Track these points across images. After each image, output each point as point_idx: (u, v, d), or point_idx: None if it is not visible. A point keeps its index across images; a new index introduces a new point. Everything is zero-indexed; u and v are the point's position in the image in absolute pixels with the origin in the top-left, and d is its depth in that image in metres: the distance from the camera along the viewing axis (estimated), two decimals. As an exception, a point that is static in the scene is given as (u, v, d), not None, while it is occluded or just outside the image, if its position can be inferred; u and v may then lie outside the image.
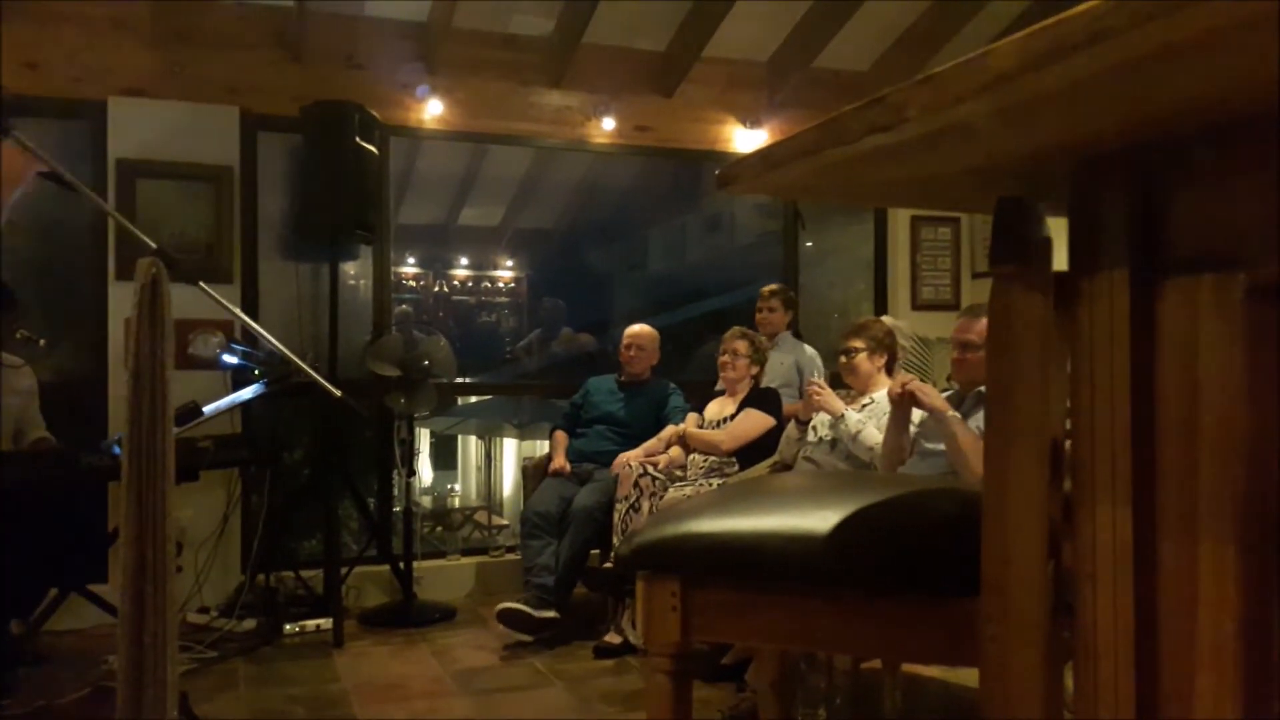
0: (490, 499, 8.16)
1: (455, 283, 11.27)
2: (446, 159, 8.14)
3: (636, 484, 3.99)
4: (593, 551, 4.24)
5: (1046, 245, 0.97)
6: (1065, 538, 0.95)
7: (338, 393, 2.66)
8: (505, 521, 6.71)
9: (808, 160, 0.99)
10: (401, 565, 4.57)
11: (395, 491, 5.00)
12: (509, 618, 3.94)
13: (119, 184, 4.41)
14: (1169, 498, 0.85)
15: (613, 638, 3.88)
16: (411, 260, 10.71)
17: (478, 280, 11.38)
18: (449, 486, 9.86)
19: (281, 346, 2.65)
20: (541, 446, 6.58)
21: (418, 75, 4.99)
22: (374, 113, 4.58)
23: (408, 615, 4.42)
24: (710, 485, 3.99)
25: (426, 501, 6.82)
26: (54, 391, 4.08)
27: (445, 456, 9.62)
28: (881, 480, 1.87)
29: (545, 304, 8.72)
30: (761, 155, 1.09)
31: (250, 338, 4.07)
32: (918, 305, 5.93)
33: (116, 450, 2.87)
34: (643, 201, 9.50)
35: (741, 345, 4.36)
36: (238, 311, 2.54)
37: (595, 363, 7.35)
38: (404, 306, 8.80)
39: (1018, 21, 5.11)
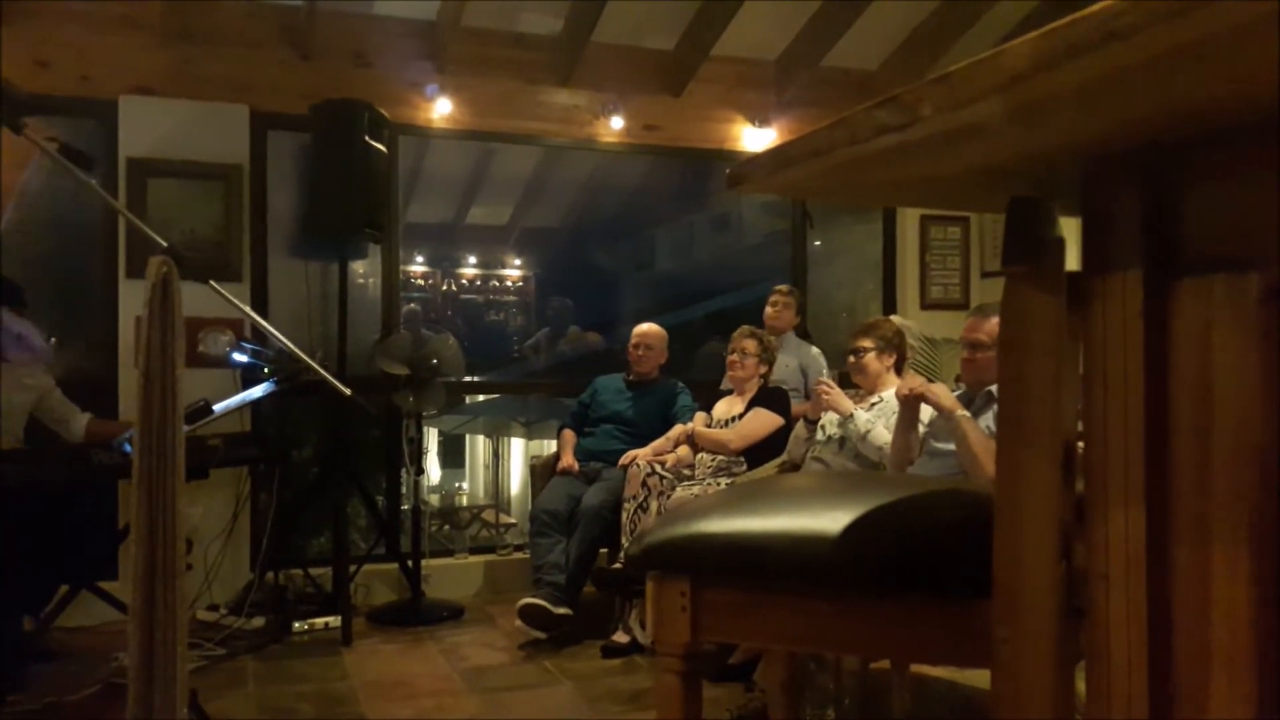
0: (498, 497, 8.18)
1: (463, 281, 11.28)
2: (455, 157, 8.15)
3: (644, 483, 3.99)
4: (600, 550, 4.24)
5: (1059, 245, 0.97)
6: (1077, 539, 0.95)
7: (348, 391, 2.66)
8: (513, 520, 6.71)
9: (819, 160, 0.99)
10: (410, 563, 4.57)
11: (403, 490, 5.01)
12: (530, 613, 3.93)
13: (130, 182, 4.43)
14: (1182, 499, 0.85)
15: (620, 637, 3.88)
16: (420, 259, 10.72)
17: (486, 279, 11.38)
18: (457, 485, 9.88)
19: (291, 345, 2.66)
20: (549, 445, 6.59)
21: (426, 74, 4.99)
22: (383, 111, 4.58)
23: (416, 613, 4.43)
24: (718, 484, 3.98)
25: (434, 500, 6.83)
26: (65, 389, 4.09)
27: (453, 455, 9.64)
28: (891, 481, 1.87)
29: (553, 303, 8.71)
30: (772, 154, 1.09)
31: (260, 336, 4.08)
32: (927, 305, 5.92)
33: (127, 448, 2.89)
34: (651, 200, 9.49)
35: (750, 344, 4.36)
36: (248, 310, 2.54)
37: (603, 362, 7.35)
38: (412, 305, 8.80)
39: (1027, 21, 5.10)
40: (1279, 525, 0.78)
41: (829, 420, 3.81)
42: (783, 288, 4.99)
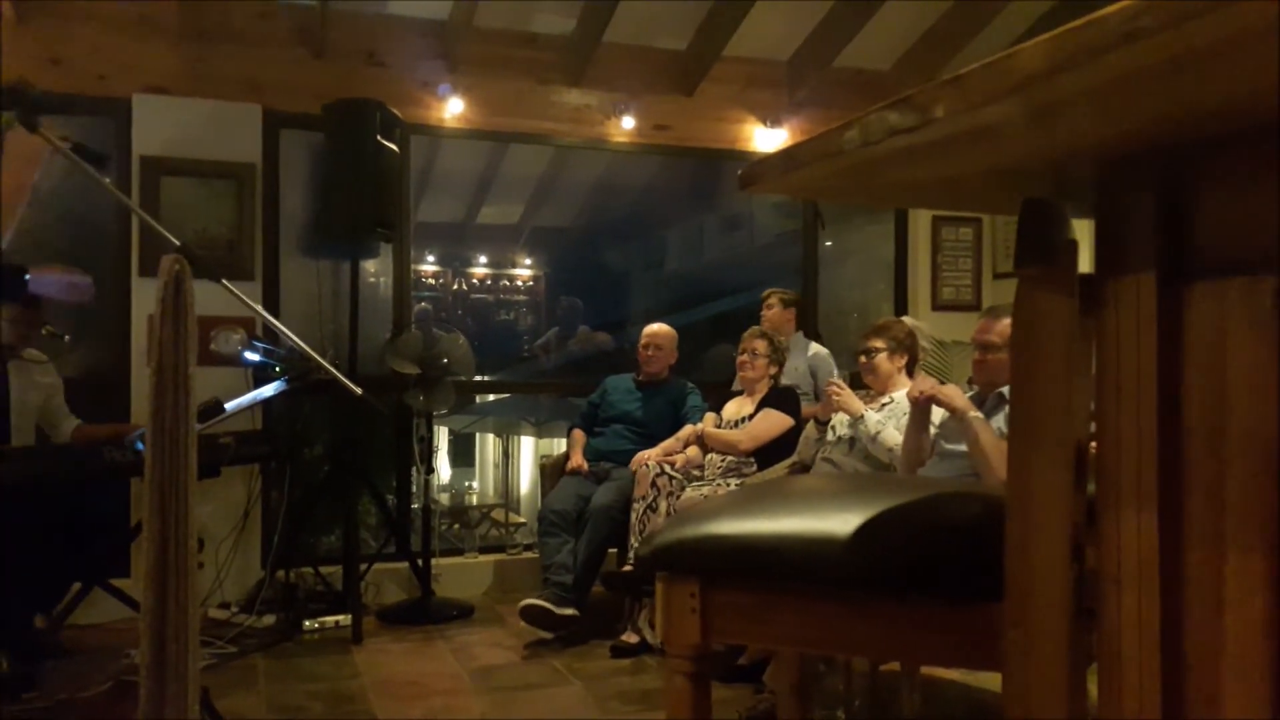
0: (507, 497, 8.19)
1: (474, 281, 11.29)
2: (466, 157, 8.16)
3: (654, 483, 3.99)
4: (610, 551, 4.24)
5: (1072, 247, 0.96)
6: (1089, 541, 0.94)
7: (358, 390, 2.67)
8: (522, 519, 6.73)
9: (831, 161, 0.98)
10: (420, 562, 4.59)
11: (414, 489, 5.02)
12: (531, 614, 3.94)
13: (143, 181, 4.46)
14: (1195, 503, 0.84)
15: (630, 637, 3.88)
16: (431, 258, 10.74)
17: (496, 278, 11.39)
18: (467, 484, 9.90)
19: (302, 344, 2.66)
20: (559, 445, 6.60)
21: (438, 73, 5.00)
22: (395, 111, 4.59)
23: (426, 612, 4.43)
24: (728, 485, 3.98)
25: (444, 499, 6.85)
26: (77, 387, 4.12)
27: (463, 454, 9.66)
28: (902, 482, 1.87)
29: (563, 302, 8.72)
30: (784, 155, 1.09)
31: (271, 335, 4.09)
32: (938, 306, 5.90)
33: (139, 446, 2.89)
34: (661, 200, 9.48)
35: (760, 345, 4.35)
36: (259, 309, 2.55)
37: (613, 361, 7.35)
38: (423, 304, 8.81)
39: (1040, 22, 5.08)
40: (1293, 529, 0.78)
41: (839, 421, 3.80)
42: (766, 292, 4.98)
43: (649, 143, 5.49)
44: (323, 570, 4.55)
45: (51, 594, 3.64)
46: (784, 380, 4.52)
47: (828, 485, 1.76)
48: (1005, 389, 3.12)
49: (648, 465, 4.07)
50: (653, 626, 3.77)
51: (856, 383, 3.98)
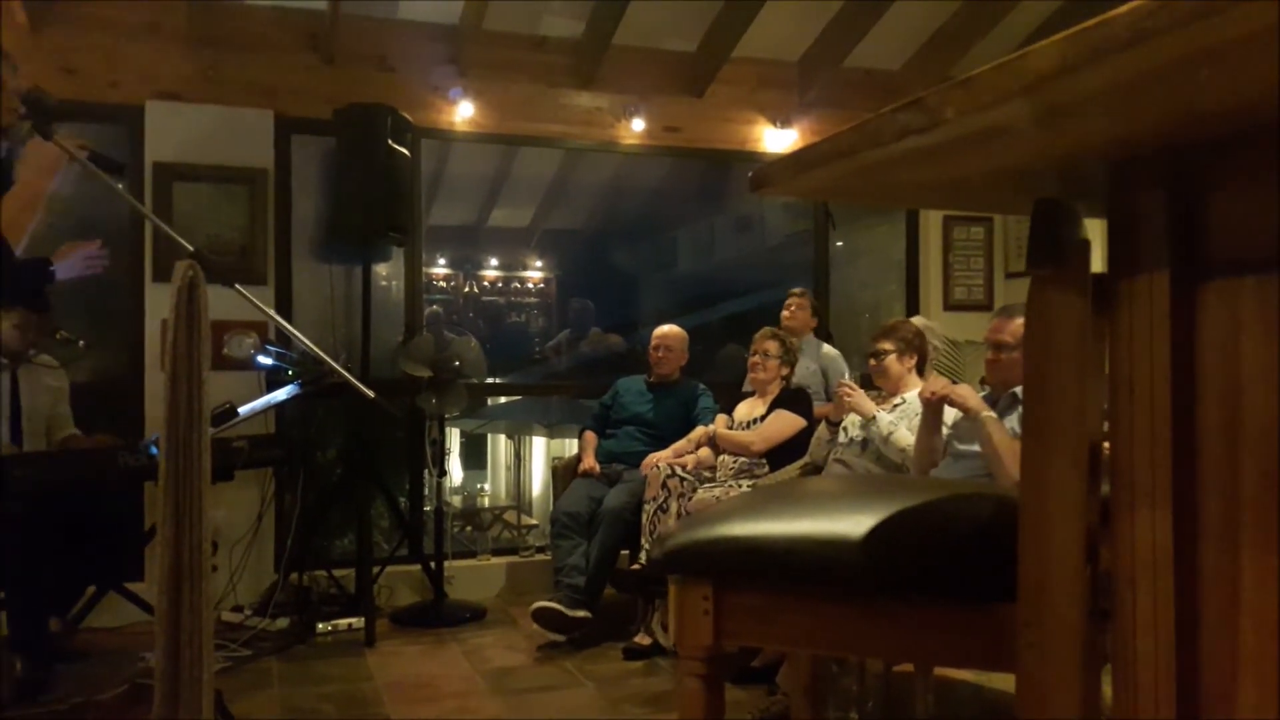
0: (519, 499, 8.18)
1: (485, 283, 11.30)
2: (477, 160, 8.17)
3: (665, 485, 3.98)
4: (622, 552, 4.24)
5: (1085, 247, 0.96)
6: (1103, 541, 0.94)
7: (371, 394, 2.67)
8: (534, 521, 6.72)
9: (842, 162, 0.98)
10: (432, 565, 4.60)
11: (426, 491, 5.03)
12: (544, 616, 3.95)
13: (156, 187, 4.48)
14: (1209, 501, 0.84)
15: (642, 639, 3.88)
16: (442, 261, 10.76)
17: (507, 281, 11.41)
18: (479, 486, 9.89)
19: (315, 347, 2.67)
20: (571, 446, 6.60)
21: (449, 77, 5.01)
22: (406, 115, 4.60)
23: (439, 615, 4.44)
24: (740, 486, 3.98)
25: (457, 501, 6.85)
26: (91, 392, 4.14)
27: (475, 456, 9.65)
28: (915, 484, 1.87)
29: (574, 304, 8.71)
30: (795, 157, 1.09)
31: (284, 339, 4.11)
32: (950, 306, 5.89)
33: (154, 450, 2.91)
34: (672, 202, 9.48)
35: (772, 346, 4.34)
36: (272, 313, 2.56)
37: (624, 363, 7.35)
38: (434, 307, 8.83)
39: (1049, 22, 5.07)
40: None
41: (851, 422, 3.79)
42: (796, 290, 4.99)
43: (659, 144, 5.50)
44: (336, 573, 4.57)
45: (66, 597, 3.66)
46: (795, 381, 4.52)
47: (840, 487, 1.76)
48: (1018, 389, 3.11)
49: (658, 467, 4.07)
50: (665, 628, 3.77)
51: (868, 383, 3.98)
